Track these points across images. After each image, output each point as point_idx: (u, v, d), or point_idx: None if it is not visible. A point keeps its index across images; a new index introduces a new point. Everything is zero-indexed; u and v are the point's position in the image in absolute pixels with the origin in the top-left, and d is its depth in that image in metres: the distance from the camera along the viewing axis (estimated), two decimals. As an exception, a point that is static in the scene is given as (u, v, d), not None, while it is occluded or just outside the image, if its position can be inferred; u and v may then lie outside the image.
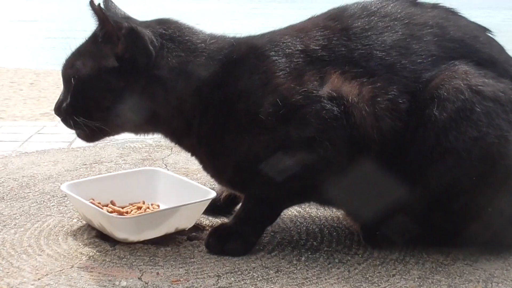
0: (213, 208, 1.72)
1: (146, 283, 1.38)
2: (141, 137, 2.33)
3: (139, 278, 1.40)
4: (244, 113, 1.47)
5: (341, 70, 1.46)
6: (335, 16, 1.54)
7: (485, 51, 1.51)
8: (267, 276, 1.42)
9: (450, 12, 1.57)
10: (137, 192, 1.75)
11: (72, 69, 1.51)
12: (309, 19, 1.60)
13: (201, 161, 1.61)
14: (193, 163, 2.14)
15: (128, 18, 1.55)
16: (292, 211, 1.77)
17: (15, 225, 1.67)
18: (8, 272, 1.42)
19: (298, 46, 1.50)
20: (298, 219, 1.73)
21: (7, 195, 1.89)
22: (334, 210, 1.71)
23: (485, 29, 1.58)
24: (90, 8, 1.46)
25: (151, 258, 1.50)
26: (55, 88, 5.02)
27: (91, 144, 2.42)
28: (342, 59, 1.47)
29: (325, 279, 1.42)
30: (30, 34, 9.75)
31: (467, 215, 1.48)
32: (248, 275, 1.43)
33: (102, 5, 1.50)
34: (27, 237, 1.60)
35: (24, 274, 1.42)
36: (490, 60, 1.50)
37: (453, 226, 1.51)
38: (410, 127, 1.43)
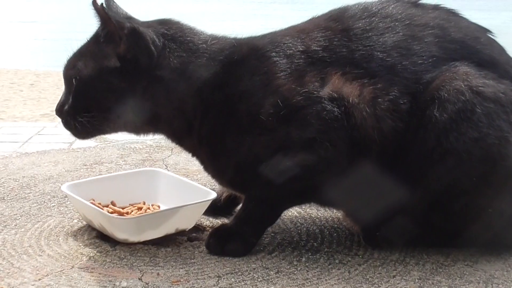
0: (214, 209, 1.72)
1: (146, 283, 1.38)
2: (142, 138, 2.33)
3: (139, 279, 1.40)
4: (245, 114, 1.47)
5: (342, 71, 1.46)
6: (336, 17, 1.54)
7: (486, 52, 1.51)
8: (267, 277, 1.42)
9: (451, 13, 1.57)
10: (137, 193, 1.75)
11: (74, 70, 1.51)
12: (310, 20, 1.60)
13: (202, 162, 1.61)
14: (193, 164, 2.14)
15: (130, 18, 1.55)
16: (293, 212, 1.77)
17: (15, 225, 1.68)
18: (8, 273, 1.42)
19: (299, 47, 1.50)
20: (299, 220, 1.73)
21: (8, 195, 1.89)
22: (335, 211, 1.71)
23: (486, 30, 1.58)
24: (93, 7, 1.46)
25: (151, 259, 1.50)
26: (55, 89, 5.02)
27: (92, 144, 2.43)
28: (343, 60, 1.47)
29: (326, 280, 1.42)
30: (30, 35, 9.75)
31: (467, 216, 1.48)
32: (248, 275, 1.43)
33: (104, 5, 1.50)
34: (28, 237, 1.61)
35: (25, 275, 1.42)
36: (491, 61, 1.50)
37: (454, 227, 1.51)
38: (411, 128, 1.43)
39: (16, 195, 1.90)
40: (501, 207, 1.47)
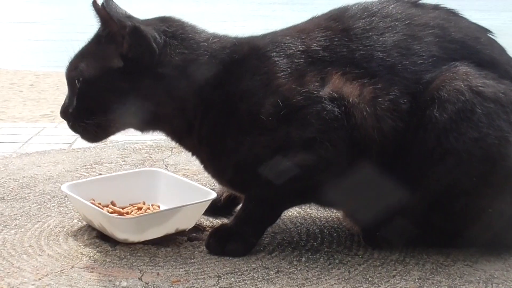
0: (214, 209, 1.72)
1: (146, 283, 1.38)
2: (142, 138, 2.34)
3: (139, 279, 1.40)
4: (245, 114, 1.47)
5: (342, 71, 1.46)
6: (336, 17, 1.54)
7: (486, 52, 1.51)
8: (267, 277, 1.42)
9: (451, 13, 1.57)
10: (137, 193, 1.75)
11: (76, 72, 1.50)
12: (310, 19, 1.60)
13: (202, 161, 1.61)
14: (193, 164, 2.14)
15: (130, 17, 1.55)
16: (293, 212, 1.77)
17: (15, 225, 1.68)
18: (8, 272, 1.42)
19: (299, 46, 1.50)
20: (299, 220, 1.73)
21: (8, 195, 1.89)
22: (335, 211, 1.71)
23: (486, 30, 1.58)
24: (93, 8, 1.46)
25: (151, 259, 1.50)
26: (55, 90, 5.03)
27: (92, 145, 2.43)
28: (343, 60, 1.47)
29: (326, 279, 1.42)
30: (30, 36, 9.76)
31: (467, 216, 1.48)
32: (248, 275, 1.43)
33: (104, 5, 1.50)
34: (28, 237, 1.61)
35: (25, 274, 1.42)
36: (491, 61, 1.50)
37: (454, 227, 1.51)
38: (411, 128, 1.43)
39: (16, 195, 1.90)
40: (501, 207, 1.47)
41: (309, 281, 1.41)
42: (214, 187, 1.79)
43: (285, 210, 1.65)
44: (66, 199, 1.83)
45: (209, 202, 1.64)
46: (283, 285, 1.39)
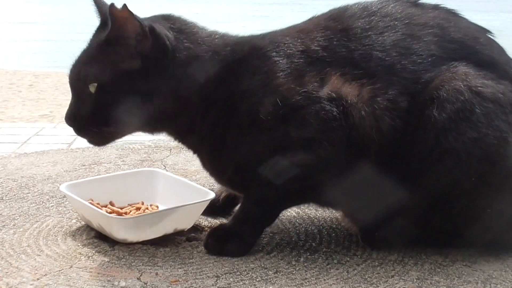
0: (212, 209, 1.72)
1: (145, 283, 1.38)
2: (140, 138, 2.34)
3: (138, 279, 1.40)
4: (245, 113, 1.47)
5: (341, 71, 1.46)
6: (336, 17, 1.54)
7: (485, 52, 1.51)
8: (266, 277, 1.42)
9: (451, 13, 1.57)
10: (136, 193, 1.75)
11: (87, 77, 1.46)
12: (310, 19, 1.60)
13: (201, 159, 1.60)
14: (192, 164, 2.15)
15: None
16: (291, 212, 1.77)
17: (14, 225, 1.68)
18: (7, 272, 1.42)
19: (299, 46, 1.50)
20: (297, 220, 1.73)
21: (6, 195, 1.89)
22: (333, 211, 1.72)
23: (485, 31, 1.58)
24: (110, 10, 1.41)
25: (150, 259, 1.50)
26: (54, 90, 5.03)
27: (90, 145, 2.43)
28: (342, 60, 1.47)
29: (324, 280, 1.42)
30: (29, 36, 9.76)
31: (467, 216, 1.48)
32: (247, 275, 1.43)
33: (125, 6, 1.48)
34: (26, 237, 1.61)
35: (23, 274, 1.42)
36: (491, 62, 1.50)
37: (454, 227, 1.51)
38: (410, 127, 1.43)
39: (14, 195, 1.90)
40: (501, 208, 1.47)
41: (308, 281, 1.41)
42: (212, 187, 1.79)
43: (283, 210, 1.65)
44: (65, 199, 1.83)
45: (207, 202, 1.64)
46: (281, 285, 1.39)
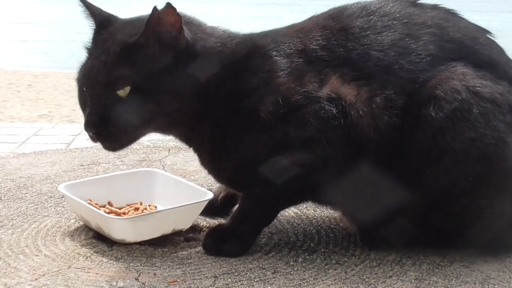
0: (211, 209, 1.71)
1: (143, 283, 1.38)
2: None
3: (136, 279, 1.40)
4: (246, 112, 1.46)
5: (340, 72, 1.46)
6: (335, 16, 1.54)
7: (484, 52, 1.51)
8: (264, 277, 1.42)
9: (450, 13, 1.57)
10: (134, 193, 1.75)
11: (120, 82, 1.39)
12: (310, 18, 1.60)
13: (201, 158, 1.59)
14: (190, 165, 2.15)
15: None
16: (289, 212, 1.77)
17: (12, 225, 1.68)
18: (5, 272, 1.42)
19: (298, 46, 1.50)
20: (295, 220, 1.73)
21: (5, 195, 1.89)
22: (332, 210, 1.72)
23: (485, 31, 1.58)
24: (168, 11, 1.38)
25: (148, 259, 1.50)
26: (53, 90, 5.03)
27: (89, 145, 2.44)
28: (341, 60, 1.47)
29: (322, 280, 1.42)
30: (29, 36, 9.77)
31: (466, 216, 1.48)
32: (245, 276, 1.43)
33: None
34: (25, 237, 1.61)
35: (21, 275, 1.42)
36: (489, 62, 1.50)
37: (453, 228, 1.51)
38: (407, 126, 1.43)
39: (13, 195, 1.90)
40: (500, 208, 1.47)
41: (306, 282, 1.41)
42: (211, 187, 1.79)
43: (282, 210, 1.66)
44: (63, 199, 1.83)
45: (206, 203, 1.64)
46: (279, 285, 1.39)
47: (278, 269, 1.46)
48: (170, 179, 1.79)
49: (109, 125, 1.41)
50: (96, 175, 2.07)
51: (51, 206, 1.81)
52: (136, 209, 1.69)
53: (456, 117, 1.41)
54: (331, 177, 1.46)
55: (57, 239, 1.60)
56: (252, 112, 1.45)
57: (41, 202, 1.84)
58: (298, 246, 1.59)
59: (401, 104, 1.43)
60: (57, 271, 1.43)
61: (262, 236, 1.61)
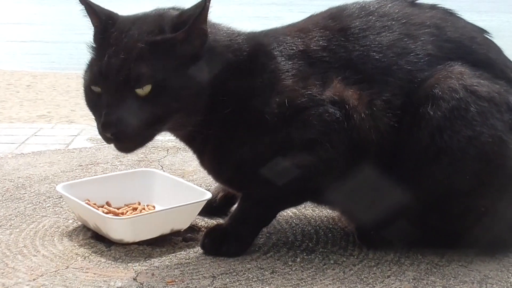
0: (209, 209, 1.71)
1: (141, 283, 1.38)
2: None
3: (134, 279, 1.40)
4: (251, 112, 1.45)
5: (342, 75, 1.46)
6: (334, 16, 1.54)
7: (482, 52, 1.51)
8: (262, 277, 1.42)
9: (448, 13, 1.57)
10: (132, 193, 1.75)
11: (141, 80, 1.34)
12: (309, 18, 1.60)
13: (200, 157, 1.57)
14: (189, 165, 2.15)
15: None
16: (288, 213, 1.77)
17: (10, 226, 1.67)
18: (3, 273, 1.42)
19: (299, 46, 1.49)
20: (294, 220, 1.73)
21: (3, 196, 1.89)
22: (330, 210, 1.72)
23: (483, 31, 1.58)
24: (203, 9, 1.37)
25: (146, 259, 1.50)
26: (52, 91, 5.03)
27: (87, 145, 2.44)
28: (342, 62, 1.47)
29: (320, 280, 1.42)
30: (28, 37, 9.77)
31: (465, 216, 1.48)
32: (243, 276, 1.43)
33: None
34: (23, 237, 1.60)
35: (19, 275, 1.41)
36: (487, 62, 1.51)
37: (452, 227, 1.51)
38: (406, 126, 1.43)
39: (11, 195, 1.90)
40: (500, 207, 1.47)
41: (304, 282, 1.41)
42: (209, 187, 1.78)
43: (281, 211, 1.65)
44: (61, 199, 1.83)
45: (204, 203, 1.64)
46: (278, 285, 1.39)
47: (276, 269, 1.46)
48: (169, 179, 1.79)
49: (128, 125, 1.35)
50: (94, 175, 2.07)
51: (49, 206, 1.81)
52: (135, 209, 1.69)
53: (453, 115, 1.41)
54: (332, 179, 1.46)
55: (55, 239, 1.60)
56: (257, 113, 1.45)
57: (39, 202, 1.84)
58: (296, 246, 1.59)
59: (399, 105, 1.44)
60: (55, 271, 1.43)
61: (260, 236, 1.61)
